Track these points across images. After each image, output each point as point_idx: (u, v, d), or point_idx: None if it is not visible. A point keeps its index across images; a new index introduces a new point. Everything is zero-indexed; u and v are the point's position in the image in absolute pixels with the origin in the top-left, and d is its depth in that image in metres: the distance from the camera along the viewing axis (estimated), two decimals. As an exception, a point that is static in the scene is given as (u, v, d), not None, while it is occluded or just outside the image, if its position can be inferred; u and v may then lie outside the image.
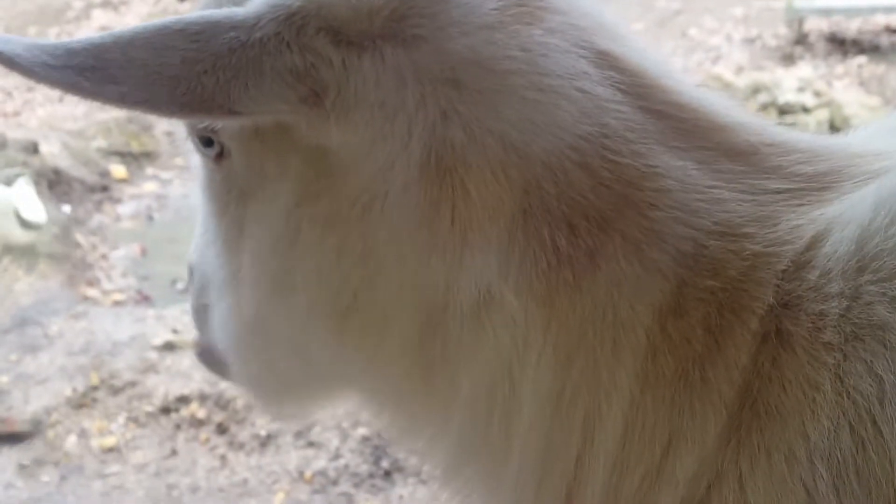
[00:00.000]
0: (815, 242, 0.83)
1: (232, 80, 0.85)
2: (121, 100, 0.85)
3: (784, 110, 5.47)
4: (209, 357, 1.18)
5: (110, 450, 3.46)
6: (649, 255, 0.84)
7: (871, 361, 0.76)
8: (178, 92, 0.84)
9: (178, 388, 3.62)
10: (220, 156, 0.98)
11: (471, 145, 0.85)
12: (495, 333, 0.87)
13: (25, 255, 4.51)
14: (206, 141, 0.98)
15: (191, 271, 1.17)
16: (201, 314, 1.14)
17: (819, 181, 0.88)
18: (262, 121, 0.89)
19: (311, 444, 3.35)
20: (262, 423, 3.46)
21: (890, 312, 0.76)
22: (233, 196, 0.99)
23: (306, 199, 0.91)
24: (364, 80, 0.86)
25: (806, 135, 0.95)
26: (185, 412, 3.55)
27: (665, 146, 0.87)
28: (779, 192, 0.87)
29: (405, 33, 0.86)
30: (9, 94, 6.66)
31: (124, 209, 5.42)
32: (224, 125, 0.92)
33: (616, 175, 0.85)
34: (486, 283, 0.86)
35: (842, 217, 0.83)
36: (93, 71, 0.84)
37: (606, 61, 0.89)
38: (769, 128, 0.93)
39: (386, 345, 0.92)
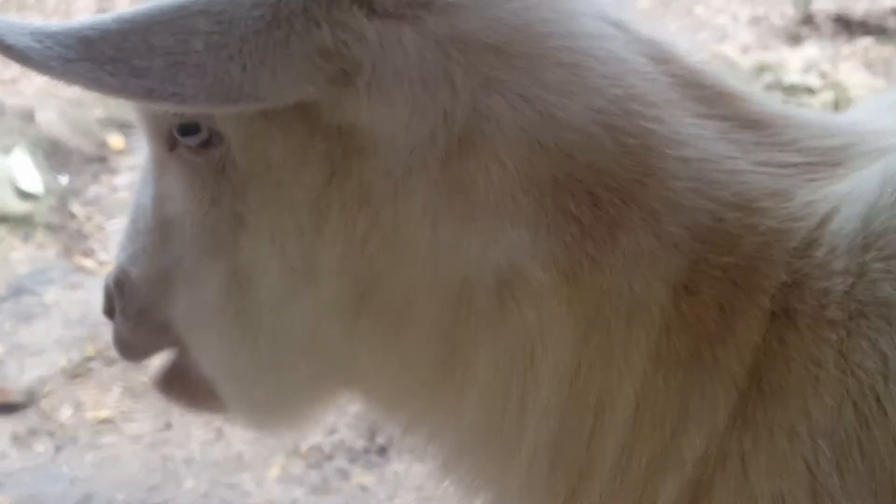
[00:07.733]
0: (826, 220, 0.82)
1: (259, 67, 0.78)
2: (147, 96, 0.78)
3: (789, 91, 5.47)
4: (186, 384, 1.07)
5: (105, 421, 3.45)
6: (667, 228, 0.82)
7: (875, 339, 0.76)
8: (206, 82, 0.78)
9: (173, 361, 3.61)
10: (208, 143, 0.90)
11: (509, 113, 0.82)
12: (520, 311, 0.84)
13: (22, 224, 4.50)
14: (188, 128, 0.90)
15: (122, 286, 1.04)
16: (157, 331, 1.03)
17: (832, 157, 0.87)
18: (283, 104, 0.83)
19: (306, 419, 3.35)
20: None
21: (895, 289, 0.76)
22: (225, 187, 0.90)
23: (336, 179, 0.85)
24: (405, 55, 0.81)
25: (813, 111, 0.96)
26: (180, 384, 3.55)
27: (688, 112, 0.85)
28: (794, 165, 0.86)
29: (443, 0, 0.82)
30: (5, 61, 6.62)
31: (121, 180, 5.38)
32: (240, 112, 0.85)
33: (640, 141, 0.83)
34: (516, 258, 0.83)
35: (850, 194, 0.82)
36: (114, 63, 0.77)
37: (623, 27, 0.88)
38: (778, 102, 0.92)
39: (408, 332, 0.88)
